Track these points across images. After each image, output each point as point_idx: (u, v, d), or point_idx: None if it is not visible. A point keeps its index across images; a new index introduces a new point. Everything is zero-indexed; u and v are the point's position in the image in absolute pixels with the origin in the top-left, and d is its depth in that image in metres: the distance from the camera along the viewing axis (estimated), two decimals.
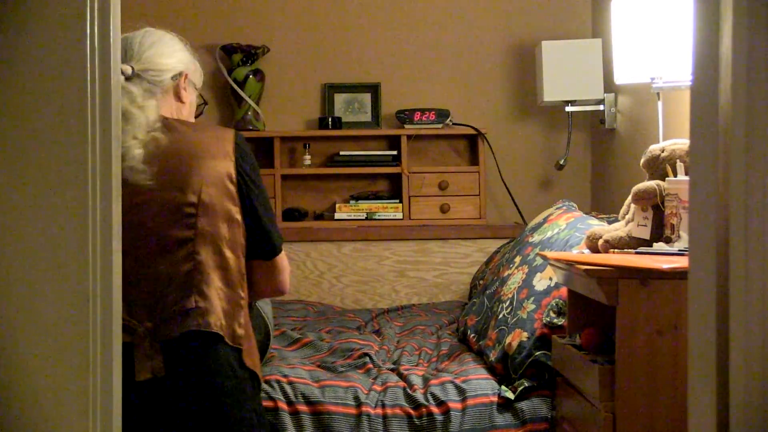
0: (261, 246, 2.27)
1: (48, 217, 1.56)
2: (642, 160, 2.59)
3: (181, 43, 2.37)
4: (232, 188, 2.20)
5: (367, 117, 4.61)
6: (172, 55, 2.32)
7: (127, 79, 2.25)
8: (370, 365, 2.98)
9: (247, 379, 2.21)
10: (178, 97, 2.32)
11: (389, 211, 4.44)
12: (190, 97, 2.36)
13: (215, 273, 2.17)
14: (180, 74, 2.32)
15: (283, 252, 2.32)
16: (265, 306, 2.80)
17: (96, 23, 1.58)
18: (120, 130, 1.71)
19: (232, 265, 2.19)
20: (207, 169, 2.18)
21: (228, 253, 2.19)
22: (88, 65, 1.56)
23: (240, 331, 2.19)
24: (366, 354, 3.07)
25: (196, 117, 2.44)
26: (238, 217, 2.21)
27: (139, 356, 2.10)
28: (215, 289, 2.16)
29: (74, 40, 1.56)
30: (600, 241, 2.56)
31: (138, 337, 2.11)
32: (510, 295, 3.03)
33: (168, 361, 2.12)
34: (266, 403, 2.74)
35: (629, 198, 2.56)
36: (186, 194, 2.16)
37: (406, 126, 4.47)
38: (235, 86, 4.46)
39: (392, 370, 2.99)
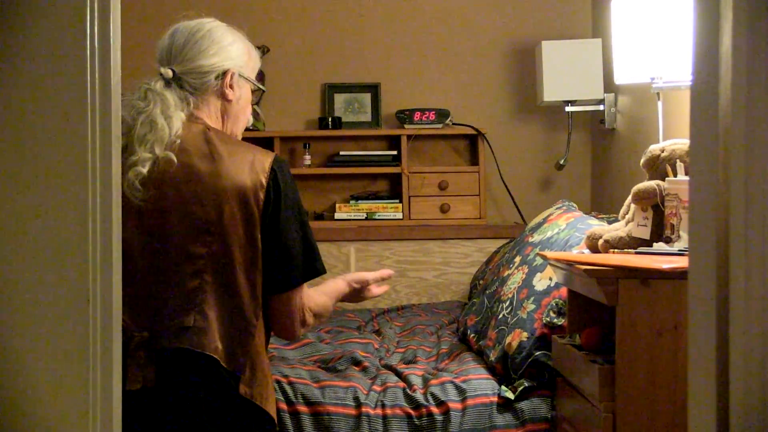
0: (278, 275, 2.16)
1: (48, 217, 1.56)
2: (642, 160, 2.59)
3: (231, 35, 2.28)
4: (257, 213, 2.12)
5: (367, 117, 4.61)
6: (218, 52, 2.24)
7: (167, 83, 2.19)
8: (367, 363, 2.99)
9: (240, 409, 2.13)
10: (224, 97, 2.25)
11: (389, 211, 4.44)
12: (239, 92, 2.28)
13: (221, 295, 2.11)
14: (225, 73, 2.24)
15: (303, 293, 2.21)
16: None
17: (96, 23, 1.57)
18: (120, 129, 1.71)
19: (244, 290, 2.12)
20: (234, 190, 2.11)
21: (241, 278, 2.12)
22: (88, 65, 1.56)
23: (242, 358, 2.12)
24: (360, 360, 3.06)
25: (254, 105, 2.37)
26: (259, 243, 2.13)
27: (131, 365, 2.06)
28: (217, 311, 2.11)
29: (74, 40, 1.56)
30: (600, 241, 2.56)
31: (133, 346, 2.07)
32: (510, 295, 3.03)
33: (160, 373, 2.08)
34: None
35: (629, 198, 2.56)
36: (207, 211, 2.10)
37: (406, 126, 4.48)
38: None
39: (388, 368, 2.99)
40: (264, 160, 2.17)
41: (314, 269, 2.22)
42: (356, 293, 2.47)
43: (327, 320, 3.46)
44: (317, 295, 2.30)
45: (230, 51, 2.27)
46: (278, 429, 2.65)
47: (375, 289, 2.49)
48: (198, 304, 2.10)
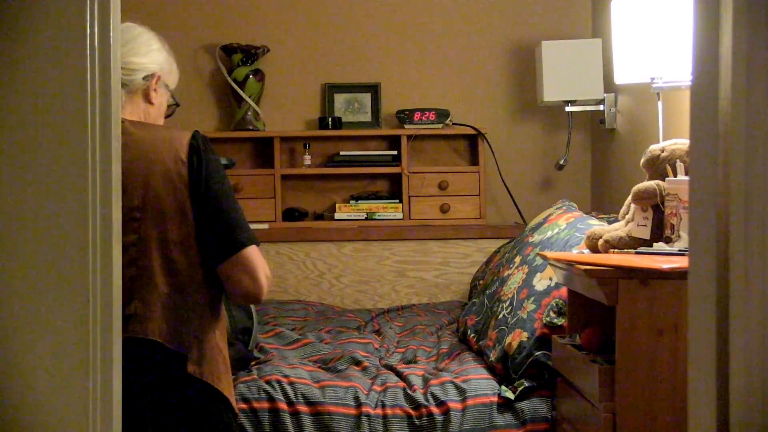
0: (226, 239, 2.13)
1: (48, 217, 1.56)
2: (642, 160, 2.59)
3: (159, 42, 2.32)
4: (184, 189, 2.12)
5: (367, 117, 4.61)
6: (146, 54, 2.27)
7: None
8: (367, 363, 2.99)
9: (193, 390, 2.12)
10: (148, 99, 2.27)
11: (389, 211, 4.44)
12: (160, 99, 2.30)
13: (160, 278, 2.11)
14: (152, 75, 2.27)
15: (257, 251, 2.15)
16: None
17: (96, 23, 1.58)
18: (120, 130, 1.71)
19: (182, 268, 2.12)
20: (154, 171, 2.12)
21: (177, 256, 2.12)
22: (88, 65, 1.57)
23: (188, 337, 2.12)
24: (360, 360, 3.06)
25: (166, 118, 2.37)
26: (191, 218, 2.12)
27: None
28: (159, 294, 2.11)
29: (74, 40, 1.56)
30: (600, 241, 2.56)
31: None
32: (510, 295, 3.03)
33: None
34: (266, 404, 2.74)
35: (629, 198, 2.56)
36: (131, 198, 2.10)
37: (406, 126, 4.47)
38: (235, 86, 4.46)
39: (388, 368, 2.99)
40: (181, 136, 2.17)
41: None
42: None
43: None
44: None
45: (157, 56, 2.30)
46: (273, 421, 2.65)
47: None
48: (137, 291, 2.10)
